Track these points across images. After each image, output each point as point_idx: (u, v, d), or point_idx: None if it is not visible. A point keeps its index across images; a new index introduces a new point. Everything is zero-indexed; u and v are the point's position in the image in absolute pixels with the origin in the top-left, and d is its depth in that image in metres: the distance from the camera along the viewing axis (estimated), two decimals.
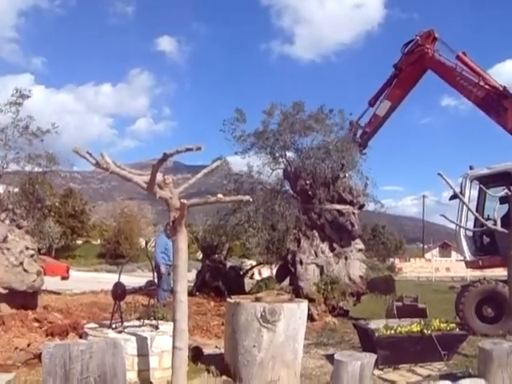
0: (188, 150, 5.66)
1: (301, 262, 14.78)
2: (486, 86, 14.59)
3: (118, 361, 4.90)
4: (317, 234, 15.31)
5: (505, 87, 14.49)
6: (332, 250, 15.35)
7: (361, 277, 15.07)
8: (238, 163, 18.26)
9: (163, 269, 13.37)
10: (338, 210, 15.39)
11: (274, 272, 18.15)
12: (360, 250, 16.00)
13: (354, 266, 15.21)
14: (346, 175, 16.11)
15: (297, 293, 13.33)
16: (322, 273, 14.77)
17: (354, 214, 15.57)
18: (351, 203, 15.62)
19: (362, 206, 16.24)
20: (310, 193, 15.53)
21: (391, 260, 39.65)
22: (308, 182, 15.59)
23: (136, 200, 60.61)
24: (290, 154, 16.62)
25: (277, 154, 16.54)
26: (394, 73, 16.42)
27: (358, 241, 16.14)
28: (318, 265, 14.85)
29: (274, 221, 15.95)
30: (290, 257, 15.21)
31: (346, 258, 15.22)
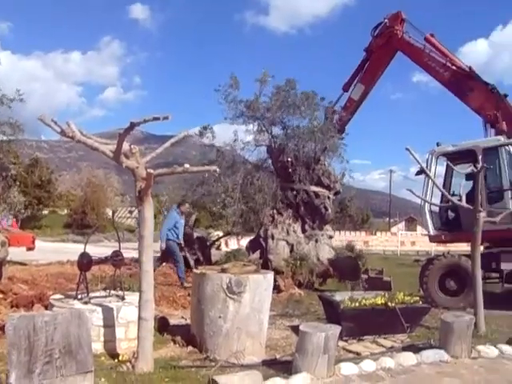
0: (155, 119, 5.62)
1: (272, 237, 15.00)
2: (453, 67, 14.76)
3: (83, 332, 4.88)
4: (291, 213, 15.54)
5: (471, 68, 14.66)
6: (304, 231, 15.58)
7: (329, 260, 15.20)
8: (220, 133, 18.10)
9: (163, 245, 13.37)
10: (315, 192, 15.62)
11: (241, 243, 18.21)
12: (330, 238, 16.26)
13: (324, 249, 15.40)
14: (327, 159, 16.28)
15: (266, 266, 13.53)
16: (291, 251, 14.96)
17: (329, 198, 15.85)
18: (328, 187, 15.86)
19: (337, 193, 16.53)
20: (290, 171, 15.65)
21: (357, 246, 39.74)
22: (290, 159, 15.69)
23: (103, 169, 59.89)
24: (276, 130, 16.53)
25: (263, 128, 16.39)
26: (366, 56, 16.46)
27: (329, 227, 16.46)
28: (288, 242, 15.07)
29: (251, 193, 15.94)
30: (262, 230, 15.38)
31: (316, 241, 15.40)
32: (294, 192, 15.71)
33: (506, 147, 12.98)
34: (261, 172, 16.28)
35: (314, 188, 15.66)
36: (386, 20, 15.85)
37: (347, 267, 14.99)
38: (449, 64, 14.81)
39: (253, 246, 15.91)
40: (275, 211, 15.55)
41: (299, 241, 15.23)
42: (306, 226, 15.71)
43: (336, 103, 16.94)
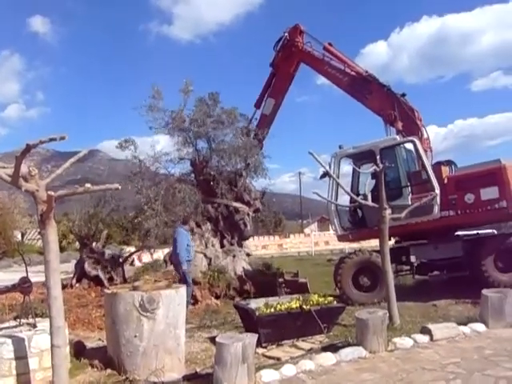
0: (51, 139, 5.46)
1: None
2: (352, 73, 15.30)
3: None
4: (210, 227, 15.57)
5: (367, 71, 15.28)
6: (222, 246, 15.75)
7: (246, 275, 15.23)
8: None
9: (185, 266, 12.67)
10: (235, 208, 15.78)
11: (155, 256, 18.01)
12: (248, 255, 16.46)
13: (241, 265, 15.46)
14: (249, 176, 16.47)
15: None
16: (209, 264, 14.93)
17: (248, 215, 15.97)
18: (248, 204, 16.03)
19: (256, 210, 16.69)
20: (212, 184, 15.68)
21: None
22: (212, 173, 15.77)
23: (7, 191, 57.47)
24: (200, 143, 16.42)
25: (188, 141, 16.17)
26: (272, 71, 16.88)
27: (247, 244, 16.74)
28: (206, 256, 15.04)
29: (173, 205, 15.75)
30: None
31: (233, 256, 15.48)
32: (215, 206, 15.82)
33: (402, 145, 13.60)
34: (183, 184, 16.15)
35: (234, 203, 15.84)
36: (285, 34, 16.33)
37: (264, 283, 15.05)
38: (347, 70, 15.34)
39: (171, 258, 15.78)
40: (194, 224, 15.45)
41: (217, 255, 15.26)
42: (225, 241, 15.86)
43: (251, 121, 17.17)
